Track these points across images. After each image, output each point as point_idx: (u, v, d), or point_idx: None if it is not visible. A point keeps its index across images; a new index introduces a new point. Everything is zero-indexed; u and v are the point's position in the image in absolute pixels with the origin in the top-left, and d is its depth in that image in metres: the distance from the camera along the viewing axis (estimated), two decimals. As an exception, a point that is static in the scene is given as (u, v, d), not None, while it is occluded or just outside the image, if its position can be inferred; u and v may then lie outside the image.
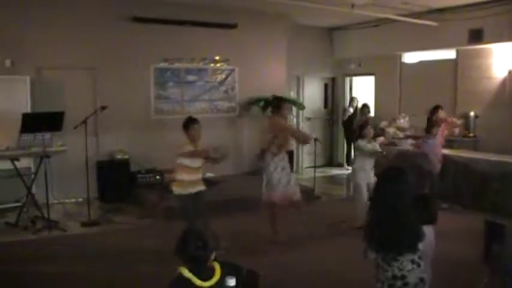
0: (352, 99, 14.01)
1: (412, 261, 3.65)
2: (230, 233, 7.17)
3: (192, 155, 6.71)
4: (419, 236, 3.66)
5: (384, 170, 4.07)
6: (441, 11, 10.69)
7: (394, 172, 3.87)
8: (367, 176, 8.11)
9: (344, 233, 7.95)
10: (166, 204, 8.93)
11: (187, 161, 6.74)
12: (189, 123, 6.88)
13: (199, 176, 6.90)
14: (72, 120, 8.37)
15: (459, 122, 10.15)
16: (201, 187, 6.90)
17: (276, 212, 7.52)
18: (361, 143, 8.19)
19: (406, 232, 3.63)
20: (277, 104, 7.71)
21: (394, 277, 3.67)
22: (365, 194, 8.01)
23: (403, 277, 3.64)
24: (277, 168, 7.43)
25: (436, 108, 9.91)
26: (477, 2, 9.89)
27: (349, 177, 8.17)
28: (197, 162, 6.83)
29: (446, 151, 10.07)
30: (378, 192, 3.94)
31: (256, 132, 11.89)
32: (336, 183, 12.52)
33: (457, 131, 9.98)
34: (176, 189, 6.82)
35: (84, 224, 8.34)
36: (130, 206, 9.59)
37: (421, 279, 3.69)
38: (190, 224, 6.24)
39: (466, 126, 10.48)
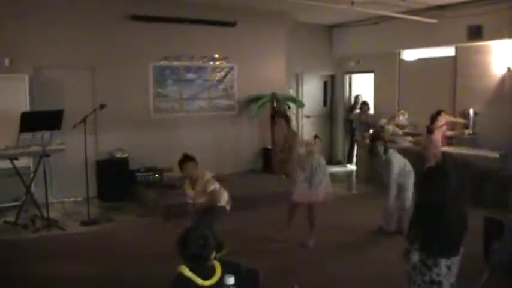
0: (357, 97, 13.96)
1: (448, 267, 3.59)
2: (232, 231, 7.15)
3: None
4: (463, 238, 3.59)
5: (429, 169, 3.96)
6: (440, 8, 10.67)
7: (441, 171, 3.75)
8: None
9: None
10: (165, 202, 8.94)
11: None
12: (180, 162, 6.82)
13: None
14: (71, 119, 8.36)
15: (461, 121, 10.30)
16: None
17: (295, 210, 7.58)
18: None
19: (462, 233, 3.55)
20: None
21: (432, 282, 3.58)
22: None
23: (439, 283, 3.56)
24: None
25: (439, 113, 10.02)
26: (476, -2, 9.89)
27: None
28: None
29: (445, 148, 10.11)
30: (425, 192, 3.80)
31: (255, 130, 11.92)
32: (335, 181, 12.47)
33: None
34: None
35: (83, 223, 8.35)
36: (129, 204, 9.59)
37: (452, 285, 3.63)
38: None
39: (466, 123, 10.49)
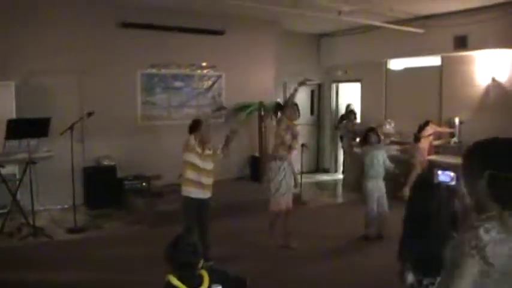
0: (348, 106, 13.90)
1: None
2: (222, 238, 7.16)
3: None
4: None
5: (419, 177, 3.89)
6: (427, 18, 10.78)
7: (428, 181, 3.47)
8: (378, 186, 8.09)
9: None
10: (153, 210, 8.94)
11: (197, 160, 6.64)
12: (199, 123, 6.81)
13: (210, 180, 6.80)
14: (59, 126, 8.33)
15: (448, 130, 10.42)
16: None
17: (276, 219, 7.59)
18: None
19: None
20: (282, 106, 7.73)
21: None
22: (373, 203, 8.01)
23: None
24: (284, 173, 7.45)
25: (426, 123, 10.16)
26: (462, 9, 9.99)
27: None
28: (208, 164, 6.75)
29: (432, 157, 10.19)
30: (413, 202, 3.57)
31: (243, 138, 11.92)
32: (323, 189, 12.55)
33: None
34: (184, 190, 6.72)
35: (70, 231, 8.31)
36: (117, 212, 9.55)
37: None
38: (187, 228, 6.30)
39: (452, 132, 10.59)
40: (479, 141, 2.34)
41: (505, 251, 2.08)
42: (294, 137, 7.53)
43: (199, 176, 6.63)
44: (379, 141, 8.26)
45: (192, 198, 6.64)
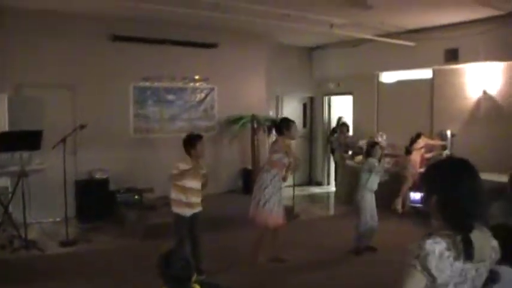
0: (340, 119, 13.89)
1: None
2: (214, 251, 7.15)
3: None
4: None
5: None
6: (418, 31, 10.86)
7: None
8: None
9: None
10: (145, 223, 8.91)
11: (184, 181, 6.59)
12: (196, 139, 6.74)
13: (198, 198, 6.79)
14: (51, 138, 8.29)
15: (440, 143, 10.51)
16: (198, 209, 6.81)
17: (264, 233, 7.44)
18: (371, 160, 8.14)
19: None
20: (286, 125, 7.48)
21: None
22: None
23: None
24: (275, 189, 7.34)
25: (418, 136, 10.23)
26: (453, 22, 10.08)
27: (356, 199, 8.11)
28: (196, 183, 6.72)
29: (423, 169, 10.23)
30: None
31: (235, 150, 11.94)
32: (315, 202, 12.55)
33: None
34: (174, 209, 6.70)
35: (62, 244, 8.26)
36: (109, 225, 9.52)
37: None
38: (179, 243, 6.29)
39: (444, 145, 10.64)
40: (434, 163, 2.41)
41: (448, 269, 2.11)
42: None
43: (188, 197, 6.64)
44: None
45: (182, 216, 6.63)
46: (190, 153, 6.67)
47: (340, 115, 14.06)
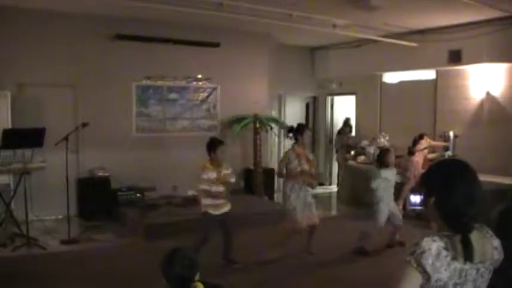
0: (347, 120, 13.70)
1: None
2: (218, 251, 7.14)
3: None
4: None
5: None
6: (421, 32, 10.85)
7: None
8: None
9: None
10: (147, 222, 8.90)
11: (205, 186, 6.81)
12: (217, 144, 6.89)
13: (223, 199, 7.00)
14: (54, 136, 8.32)
15: (442, 144, 10.50)
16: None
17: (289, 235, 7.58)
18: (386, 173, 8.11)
19: None
20: (300, 131, 7.69)
21: None
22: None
23: None
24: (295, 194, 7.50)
25: (421, 136, 10.21)
26: (456, 23, 10.06)
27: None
28: (219, 188, 6.91)
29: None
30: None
31: (237, 150, 11.93)
32: (317, 202, 12.49)
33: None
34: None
35: (63, 242, 8.26)
36: (110, 223, 9.52)
37: None
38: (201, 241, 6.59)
39: (447, 146, 10.63)
40: (432, 165, 2.42)
41: (445, 268, 2.10)
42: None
43: (214, 200, 6.89)
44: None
45: (211, 214, 6.90)
46: (210, 155, 6.85)
47: (347, 116, 13.92)
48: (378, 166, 8.26)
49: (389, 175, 8.05)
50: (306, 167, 7.52)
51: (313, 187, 7.69)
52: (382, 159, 8.17)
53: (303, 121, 14.48)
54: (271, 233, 7.75)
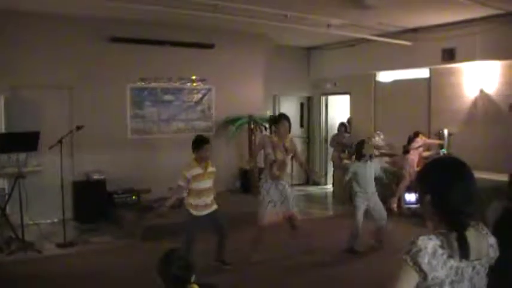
0: (349, 120, 13.62)
1: None
2: (212, 251, 7.14)
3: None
4: None
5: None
6: (415, 31, 10.87)
7: None
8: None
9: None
10: (143, 224, 8.89)
11: (197, 185, 6.76)
12: (202, 142, 6.83)
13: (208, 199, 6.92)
14: (48, 139, 8.30)
15: (438, 142, 10.57)
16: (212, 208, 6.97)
17: (262, 233, 7.49)
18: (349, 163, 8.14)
19: None
20: (275, 121, 7.57)
21: None
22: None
23: None
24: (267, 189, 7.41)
25: (416, 134, 10.24)
26: (450, 22, 10.08)
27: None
28: (207, 183, 6.85)
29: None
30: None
31: (233, 151, 11.93)
32: (312, 202, 12.54)
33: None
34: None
35: (59, 245, 8.24)
36: (106, 226, 9.51)
37: None
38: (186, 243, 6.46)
39: (442, 143, 10.66)
40: (427, 163, 2.42)
41: (441, 267, 2.11)
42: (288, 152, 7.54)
43: (201, 200, 6.82)
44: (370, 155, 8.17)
45: (196, 216, 6.82)
46: (195, 153, 6.81)
47: (349, 116, 13.79)
48: (353, 159, 8.33)
49: (363, 168, 8.00)
50: (281, 157, 7.39)
51: (312, 176, 7.58)
52: (356, 150, 8.22)
53: (298, 121, 14.53)
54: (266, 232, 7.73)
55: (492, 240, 2.26)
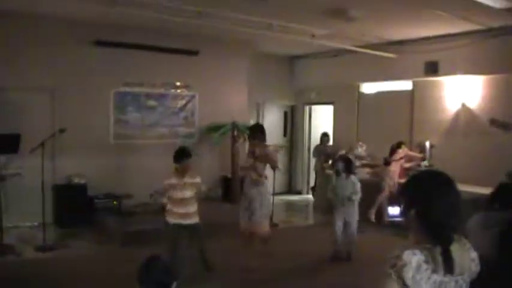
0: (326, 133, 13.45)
1: None
2: (193, 259, 7.12)
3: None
4: None
5: None
6: (398, 43, 10.97)
7: None
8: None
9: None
10: (124, 229, 8.86)
11: (176, 193, 6.87)
12: (182, 157, 6.97)
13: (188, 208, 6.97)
14: (30, 142, 8.23)
15: (419, 155, 10.60)
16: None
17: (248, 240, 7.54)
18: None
19: None
20: (257, 129, 7.66)
21: None
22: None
23: None
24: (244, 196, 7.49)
25: (398, 145, 10.30)
26: (433, 35, 10.20)
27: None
28: (187, 193, 6.93)
29: (404, 180, 10.26)
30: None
31: (215, 158, 11.92)
32: (294, 210, 12.56)
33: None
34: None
35: (39, 249, 8.16)
36: (87, 231, 9.41)
37: None
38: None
39: (423, 157, 10.75)
40: (412, 176, 2.44)
41: (425, 281, 2.12)
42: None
43: (183, 207, 6.91)
44: (346, 169, 8.23)
45: (175, 224, 6.89)
46: (176, 164, 6.95)
47: (324, 131, 13.78)
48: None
49: (340, 184, 8.14)
50: (251, 162, 7.47)
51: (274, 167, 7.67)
52: (334, 166, 8.39)
53: (281, 130, 14.56)
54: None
55: (474, 254, 2.28)
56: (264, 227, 7.54)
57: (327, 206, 10.52)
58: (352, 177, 8.20)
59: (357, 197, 8.07)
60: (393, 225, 9.82)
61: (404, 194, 2.35)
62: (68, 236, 9.08)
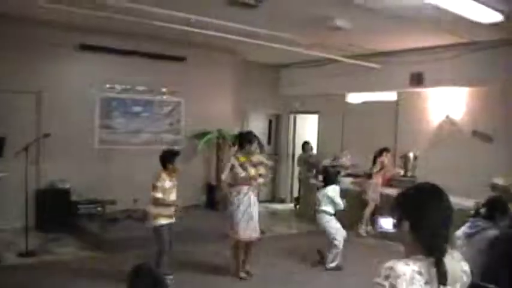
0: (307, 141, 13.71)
1: None
2: (175, 266, 7.10)
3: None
4: None
5: None
6: (384, 54, 11.04)
7: None
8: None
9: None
10: (107, 236, 8.81)
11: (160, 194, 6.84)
12: (173, 155, 7.09)
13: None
14: (14, 145, 8.19)
15: (397, 171, 10.78)
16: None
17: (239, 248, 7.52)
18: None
19: None
20: (243, 139, 7.66)
21: None
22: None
23: None
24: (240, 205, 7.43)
25: (382, 150, 10.34)
26: (419, 47, 10.29)
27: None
28: (173, 195, 6.99)
29: (387, 190, 10.31)
30: None
31: (200, 165, 11.91)
32: (277, 219, 12.56)
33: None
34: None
35: (21, 254, 8.08)
36: (70, 236, 9.34)
37: None
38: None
39: (404, 166, 10.83)
40: (405, 189, 2.46)
41: None
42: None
43: (170, 208, 6.95)
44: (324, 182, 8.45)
45: (166, 225, 6.88)
46: (166, 167, 6.99)
47: (306, 140, 13.87)
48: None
49: (321, 196, 8.27)
50: (253, 172, 7.50)
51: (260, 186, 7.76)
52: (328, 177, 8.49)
53: (266, 138, 14.57)
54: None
55: (466, 266, 2.31)
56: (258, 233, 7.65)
57: (311, 215, 10.57)
58: (328, 188, 8.25)
59: (329, 208, 8.19)
60: (384, 236, 9.85)
61: (398, 207, 2.37)
62: (51, 241, 8.97)
